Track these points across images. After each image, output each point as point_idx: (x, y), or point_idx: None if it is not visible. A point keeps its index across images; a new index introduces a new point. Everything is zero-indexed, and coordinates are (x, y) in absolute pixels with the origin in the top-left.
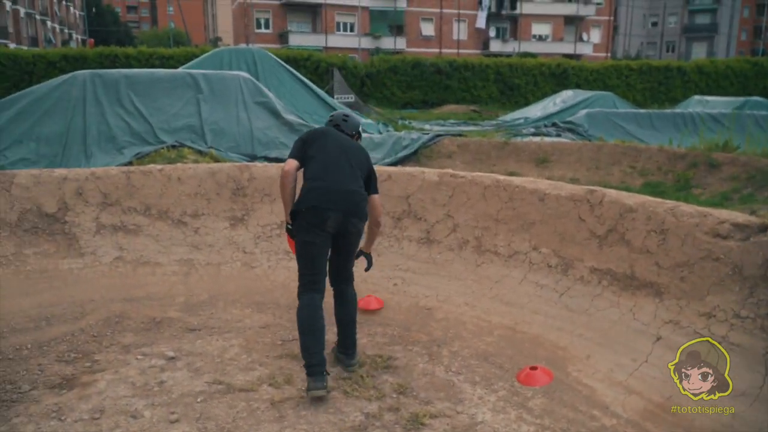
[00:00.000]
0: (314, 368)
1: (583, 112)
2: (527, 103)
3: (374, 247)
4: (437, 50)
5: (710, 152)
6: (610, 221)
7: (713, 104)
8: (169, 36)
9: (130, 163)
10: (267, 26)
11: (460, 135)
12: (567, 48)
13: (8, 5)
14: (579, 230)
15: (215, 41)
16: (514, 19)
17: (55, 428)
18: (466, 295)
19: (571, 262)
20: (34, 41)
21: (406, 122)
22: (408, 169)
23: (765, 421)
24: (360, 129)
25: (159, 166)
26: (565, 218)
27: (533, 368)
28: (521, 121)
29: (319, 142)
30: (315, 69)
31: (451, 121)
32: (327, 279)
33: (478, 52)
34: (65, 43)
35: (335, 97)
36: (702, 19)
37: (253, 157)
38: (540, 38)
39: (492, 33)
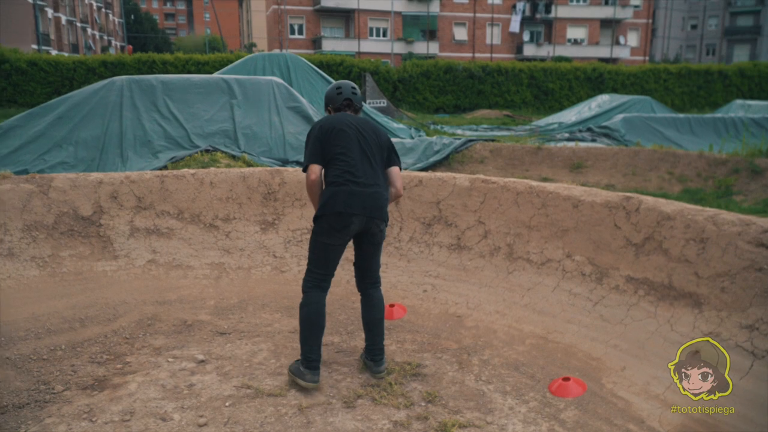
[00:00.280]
0: (313, 362)
1: (620, 116)
2: (561, 108)
3: (404, 253)
4: (470, 55)
5: (753, 158)
6: (647, 229)
7: (756, 108)
8: (205, 42)
9: (164, 167)
10: (300, 32)
11: (492, 140)
12: (603, 52)
13: (50, 13)
14: (614, 238)
15: (250, 47)
16: (548, 23)
17: (85, 429)
18: (497, 302)
19: (606, 270)
20: (74, 48)
21: (438, 127)
22: (439, 174)
23: None
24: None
25: (192, 171)
26: (600, 225)
27: (566, 379)
28: (555, 126)
29: (337, 141)
30: (347, 74)
31: (484, 125)
32: (335, 279)
33: (511, 56)
34: (105, 49)
35: (367, 101)
36: (744, 21)
37: (285, 162)
38: (575, 42)
39: (526, 37)
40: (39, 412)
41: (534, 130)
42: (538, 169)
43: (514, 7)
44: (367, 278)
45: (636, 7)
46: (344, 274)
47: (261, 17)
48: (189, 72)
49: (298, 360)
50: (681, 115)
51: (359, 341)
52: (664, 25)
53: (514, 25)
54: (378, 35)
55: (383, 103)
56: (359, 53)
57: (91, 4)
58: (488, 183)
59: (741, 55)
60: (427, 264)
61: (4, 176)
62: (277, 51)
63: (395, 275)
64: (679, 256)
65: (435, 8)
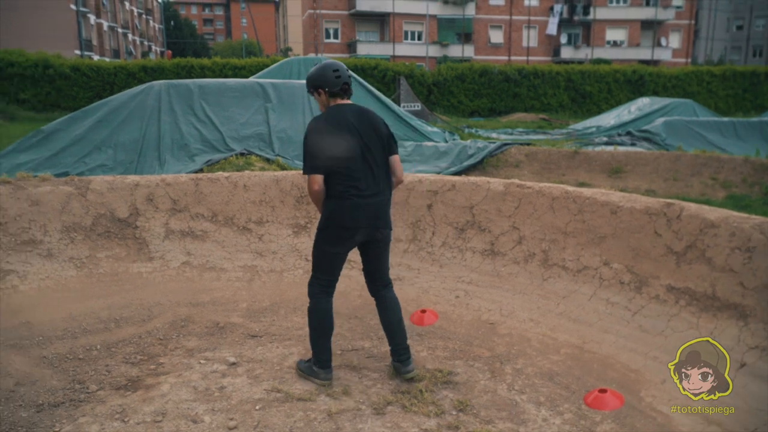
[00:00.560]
0: (325, 362)
1: (661, 120)
2: (600, 112)
3: (437, 258)
4: (506, 58)
5: None
6: (689, 237)
7: None
8: (242, 47)
9: (200, 170)
10: (336, 36)
11: (528, 144)
12: (644, 54)
13: (92, 19)
14: (654, 246)
15: (285, 51)
16: (587, 25)
17: (117, 429)
18: (532, 310)
19: (646, 279)
20: (116, 53)
21: (473, 131)
22: (472, 178)
23: None
24: None
25: (226, 174)
26: (640, 233)
27: (602, 391)
28: (593, 129)
29: (339, 151)
30: (382, 78)
31: (520, 129)
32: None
33: (548, 59)
34: (145, 54)
35: (401, 105)
36: None
37: None
38: (614, 44)
39: (563, 39)
40: (73, 411)
41: (571, 133)
42: (574, 174)
43: (551, 9)
44: (378, 281)
45: (678, 8)
46: None
47: (297, 22)
48: (226, 76)
49: (307, 360)
50: (725, 119)
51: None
52: (708, 26)
53: (552, 28)
54: (413, 39)
55: (417, 106)
56: (394, 57)
57: (132, 11)
58: (523, 188)
59: None
60: (460, 269)
61: (44, 179)
62: (312, 55)
63: (427, 280)
64: (724, 266)
65: (470, 11)
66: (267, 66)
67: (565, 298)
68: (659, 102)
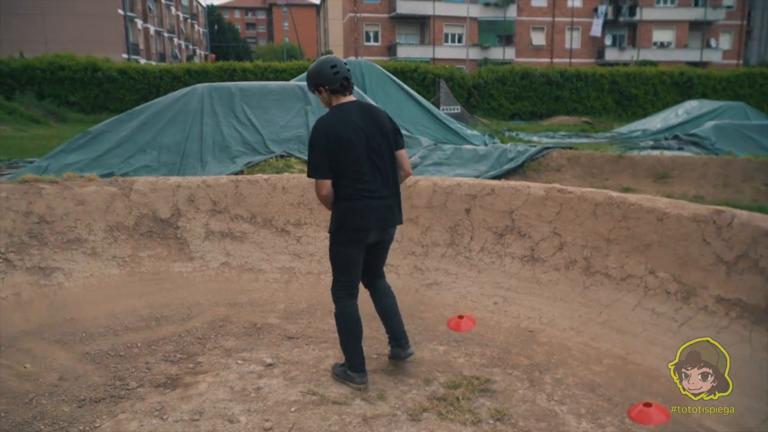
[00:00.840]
0: (359, 365)
1: (710, 123)
2: (645, 115)
3: (475, 264)
4: (548, 60)
5: None
6: (740, 246)
7: None
8: (283, 50)
9: (240, 172)
10: (376, 39)
11: (570, 148)
12: (692, 55)
13: (140, 24)
14: (703, 254)
15: (325, 54)
16: (632, 26)
17: (156, 427)
18: (573, 318)
19: (694, 289)
20: (161, 57)
21: (513, 134)
22: (512, 183)
23: None
24: None
25: (265, 176)
26: (687, 241)
27: (647, 404)
28: (638, 133)
29: (346, 153)
30: (422, 80)
31: (561, 133)
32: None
33: (591, 61)
34: (189, 58)
35: (441, 108)
36: None
37: None
38: (661, 45)
39: (608, 41)
40: (113, 408)
41: (615, 137)
42: (618, 179)
43: (595, 10)
44: (375, 274)
45: (729, 8)
46: (413, 282)
47: (337, 25)
48: (267, 79)
49: (341, 364)
50: None
51: (427, 352)
52: (761, 26)
53: (596, 29)
54: (453, 41)
55: (457, 109)
56: (434, 59)
57: (178, 15)
58: (564, 193)
59: None
60: (499, 275)
61: (89, 179)
62: (351, 58)
63: (465, 286)
64: None
65: (512, 13)
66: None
67: (608, 307)
68: (709, 105)
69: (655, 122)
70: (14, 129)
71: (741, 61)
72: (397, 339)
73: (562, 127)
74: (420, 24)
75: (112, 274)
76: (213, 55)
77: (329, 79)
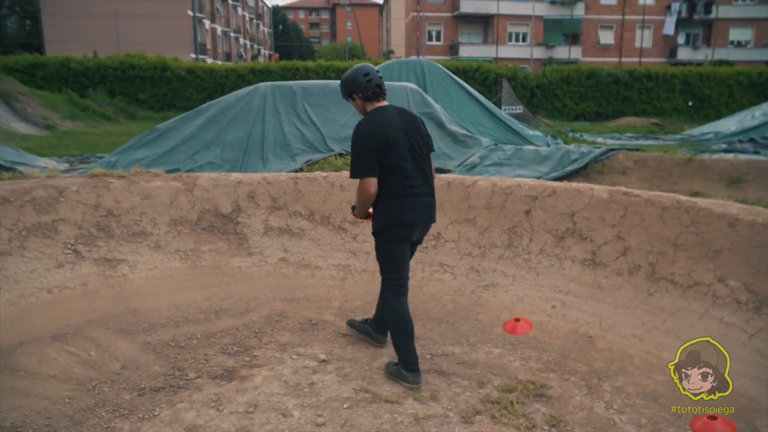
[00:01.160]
0: (412, 364)
1: None
2: (719, 117)
3: (533, 266)
4: (616, 59)
5: None
6: None
7: None
8: (345, 50)
9: (300, 170)
10: (438, 38)
11: (637, 150)
12: None
13: (207, 24)
14: None
15: (387, 54)
16: (707, 24)
17: (212, 417)
18: (635, 326)
19: (766, 299)
20: (227, 56)
21: (577, 135)
22: (574, 184)
23: None
24: None
25: (324, 174)
26: (762, 248)
27: (712, 417)
28: (711, 135)
29: (392, 153)
30: (483, 80)
31: (628, 134)
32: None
33: (663, 60)
34: (254, 57)
35: (503, 108)
36: None
37: None
38: (738, 44)
39: (681, 39)
40: (172, 397)
41: (685, 139)
42: (688, 183)
43: (668, 7)
44: None
45: None
46: (469, 283)
47: (400, 24)
48: (329, 78)
49: (395, 363)
50: None
51: (481, 354)
52: None
53: (669, 27)
54: (517, 40)
55: (519, 109)
56: (497, 59)
57: (244, 16)
58: (630, 196)
59: None
60: (558, 279)
61: (155, 174)
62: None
63: (522, 288)
64: None
65: (579, 11)
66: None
67: (673, 315)
68: None
69: (729, 124)
70: (87, 125)
71: None
72: (382, 327)
73: (628, 129)
74: (483, 23)
75: (175, 267)
76: (277, 55)
77: (363, 87)
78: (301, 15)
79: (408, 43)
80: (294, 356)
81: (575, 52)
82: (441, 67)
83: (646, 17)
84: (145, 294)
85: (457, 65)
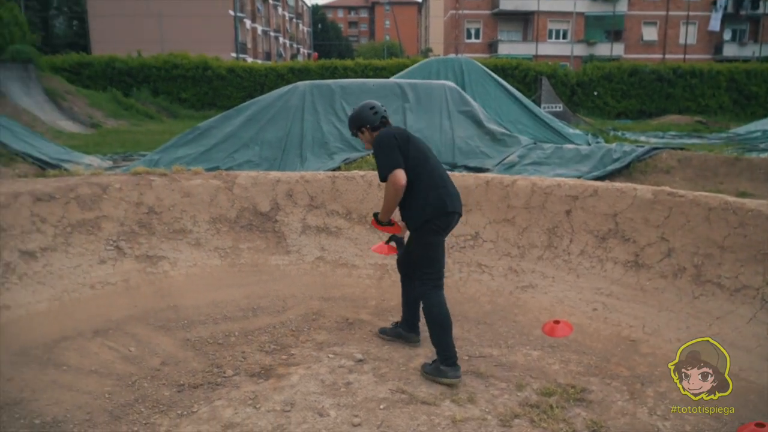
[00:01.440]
0: (451, 358)
1: None
2: (766, 115)
3: (573, 267)
4: (659, 56)
5: None
6: None
7: None
8: (384, 48)
9: (338, 168)
10: (477, 36)
11: (681, 148)
12: None
13: (248, 24)
14: None
15: (426, 52)
16: (755, 20)
17: (249, 415)
18: (680, 329)
19: None
20: (267, 56)
21: (619, 133)
22: (617, 184)
23: None
24: None
25: (362, 173)
26: None
27: (760, 425)
28: (758, 134)
29: (416, 150)
30: (523, 78)
31: (672, 132)
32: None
33: (708, 56)
34: (293, 56)
35: (542, 106)
36: None
37: (453, 166)
38: None
39: (727, 36)
40: (210, 394)
41: (732, 138)
42: (734, 183)
43: (714, 3)
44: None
45: None
46: (507, 284)
47: (439, 22)
48: (367, 77)
49: (432, 362)
50: None
51: (520, 356)
52: None
53: (714, 23)
54: (557, 37)
55: (559, 107)
56: (536, 56)
57: (284, 15)
58: (675, 196)
59: None
60: (599, 281)
61: (196, 172)
62: (452, 55)
63: (562, 290)
64: None
65: (622, 7)
66: (407, 67)
67: (719, 319)
68: None
69: None
70: (130, 124)
71: None
72: (412, 327)
73: (672, 127)
74: (523, 20)
75: (214, 264)
76: (316, 54)
77: (370, 119)
78: (340, 14)
79: (447, 41)
80: (330, 355)
81: (617, 49)
82: (479, 64)
83: (691, 13)
84: (185, 291)
85: (496, 63)
